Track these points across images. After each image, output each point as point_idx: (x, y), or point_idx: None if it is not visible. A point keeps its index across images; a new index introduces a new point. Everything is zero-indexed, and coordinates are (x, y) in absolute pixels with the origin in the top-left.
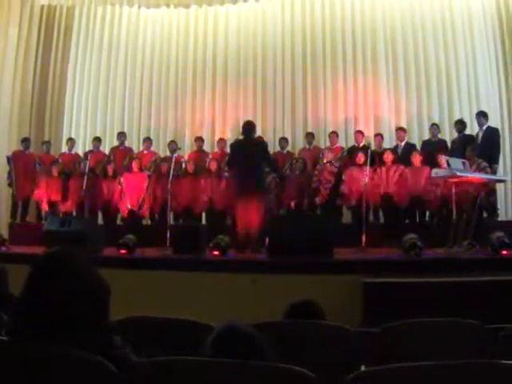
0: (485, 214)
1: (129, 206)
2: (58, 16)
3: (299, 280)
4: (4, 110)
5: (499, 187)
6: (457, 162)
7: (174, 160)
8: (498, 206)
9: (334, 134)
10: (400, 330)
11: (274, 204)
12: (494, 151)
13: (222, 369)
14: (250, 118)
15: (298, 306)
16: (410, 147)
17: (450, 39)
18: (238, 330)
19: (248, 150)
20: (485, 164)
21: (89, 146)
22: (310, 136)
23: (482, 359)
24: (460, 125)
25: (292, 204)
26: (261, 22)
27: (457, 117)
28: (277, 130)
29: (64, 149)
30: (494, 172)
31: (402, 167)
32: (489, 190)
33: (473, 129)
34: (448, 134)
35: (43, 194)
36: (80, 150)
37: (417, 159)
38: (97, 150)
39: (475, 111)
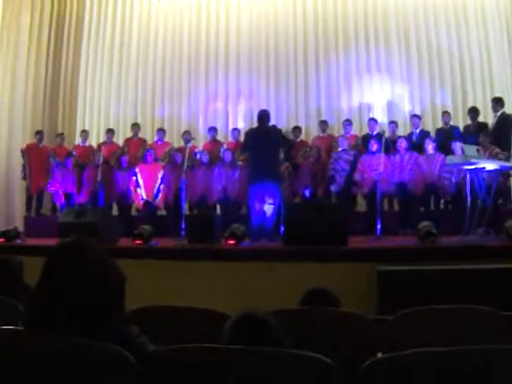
0: (499, 201)
1: (144, 197)
2: (70, 5)
3: (314, 268)
4: (18, 102)
5: None
6: (471, 149)
7: (188, 150)
8: None
9: (347, 122)
10: (415, 317)
11: (288, 192)
12: (507, 137)
13: (240, 356)
14: (263, 107)
15: (314, 293)
16: (424, 134)
17: (462, 25)
18: (256, 318)
19: (263, 138)
20: (497, 150)
21: (102, 138)
22: (323, 124)
23: (497, 345)
24: (473, 112)
25: (306, 192)
26: (272, 10)
27: (470, 103)
28: (290, 118)
29: (78, 141)
30: (507, 158)
31: (416, 155)
32: (503, 177)
33: (487, 115)
34: (462, 121)
35: (58, 186)
36: (94, 141)
37: (430, 146)
38: (110, 141)
39: (489, 97)
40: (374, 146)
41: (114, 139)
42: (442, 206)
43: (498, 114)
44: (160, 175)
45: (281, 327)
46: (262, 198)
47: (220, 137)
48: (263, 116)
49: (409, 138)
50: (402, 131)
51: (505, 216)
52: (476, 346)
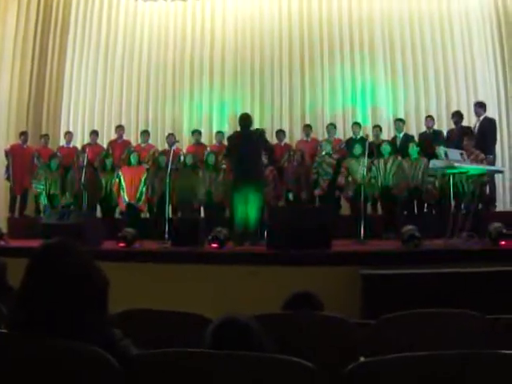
0: (482, 205)
1: (127, 199)
2: (56, 7)
3: (298, 272)
4: (2, 103)
5: (496, 178)
6: (455, 153)
7: (172, 153)
8: (496, 197)
9: (331, 126)
10: (398, 321)
11: (272, 196)
12: (489, 142)
13: (221, 360)
14: (247, 110)
15: (297, 297)
16: (408, 139)
17: (447, 30)
18: (237, 322)
19: (245, 142)
20: (482, 156)
21: (87, 139)
22: (307, 128)
23: (481, 349)
24: (457, 116)
25: (290, 196)
26: (258, 14)
27: (454, 108)
28: (274, 122)
29: (62, 142)
30: (490, 163)
31: (399, 158)
32: (486, 181)
33: (470, 120)
34: (446, 126)
35: (42, 187)
36: (78, 143)
37: (414, 151)
38: (94, 143)
39: (473, 102)
40: (357, 150)
41: (98, 141)
42: (425, 210)
43: (481, 118)
44: (143, 178)
45: (263, 332)
46: (245, 202)
47: (204, 140)
48: (245, 120)
49: (392, 142)
50: (386, 135)
51: (488, 220)
52: (459, 351)
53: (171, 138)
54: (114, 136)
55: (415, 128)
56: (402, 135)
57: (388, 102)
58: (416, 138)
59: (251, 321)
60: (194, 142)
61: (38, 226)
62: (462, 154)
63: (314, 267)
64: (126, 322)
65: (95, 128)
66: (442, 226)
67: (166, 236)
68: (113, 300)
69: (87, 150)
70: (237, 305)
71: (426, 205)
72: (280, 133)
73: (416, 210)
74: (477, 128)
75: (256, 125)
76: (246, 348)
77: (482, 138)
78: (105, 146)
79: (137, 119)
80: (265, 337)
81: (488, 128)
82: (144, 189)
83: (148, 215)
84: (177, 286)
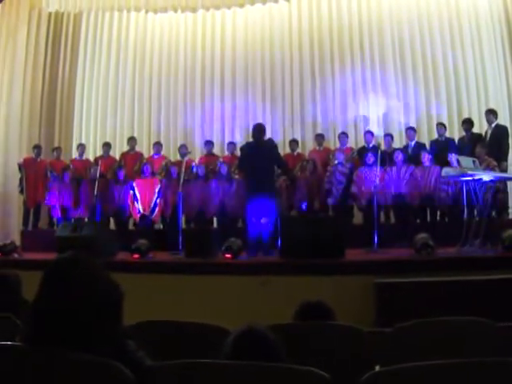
0: (496, 212)
1: (140, 211)
2: (66, 23)
3: (311, 281)
4: (14, 116)
5: (509, 185)
6: (467, 161)
7: (184, 164)
8: (510, 205)
9: (343, 135)
10: (413, 330)
11: (285, 205)
12: (503, 149)
13: (237, 371)
14: (259, 120)
15: (309, 306)
16: (420, 147)
17: (457, 37)
18: (257, 332)
19: (258, 153)
20: (494, 163)
21: (99, 152)
22: (319, 137)
23: (495, 357)
24: (467, 123)
25: (303, 205)
26: (268, 24)
27: (466, 116)
28: (286, 131)
29: (74, 154)
30: (504, 170)
31: (412, 167)
32: (499, 188)
33: (482, 127)
34: (457, 133)
35: (55, 200)
36: (90, 155)
37: (426, 158)
38: (107, 155)
39: (484, 110)
40: (370, 159)
41: (111, 153)
42: (438, 218)
43: (493, 125)
44: (157, 189)
45: (279, 342)
46: (258, 212)
47: (216, 150)
48: (258, 130)
49: (404, 150)
50: (398, 143)
51: (501, 227)
52: (474, 359)
53: (183, 149)
54: (126, 148)
55: (427, 136)
56: (413, 143)
57: (399, 109)
58: (428, 146)
59: (270, 331)
60: (207, 152)
61: (52, 238)
62: (474, 162)
63: (327, 276)
64: (141, 334)
65: (107, 140)
66: (455, 234)
67: (180, 247)
68: (127, 311)
69: (100, 162)
70: (251, 315)
71: (438, 213)
72: (293, 143)
73: (429, 218)
74: (489, 135)
75: (268, 134)
76: (264, 358)
77: (496, 146)
78: (117, 157)
79: (149, 131)
80: (280, 347)
81: (501, 135)
82: (157, 200)
83: (161, 226)
84: (190, 297)
